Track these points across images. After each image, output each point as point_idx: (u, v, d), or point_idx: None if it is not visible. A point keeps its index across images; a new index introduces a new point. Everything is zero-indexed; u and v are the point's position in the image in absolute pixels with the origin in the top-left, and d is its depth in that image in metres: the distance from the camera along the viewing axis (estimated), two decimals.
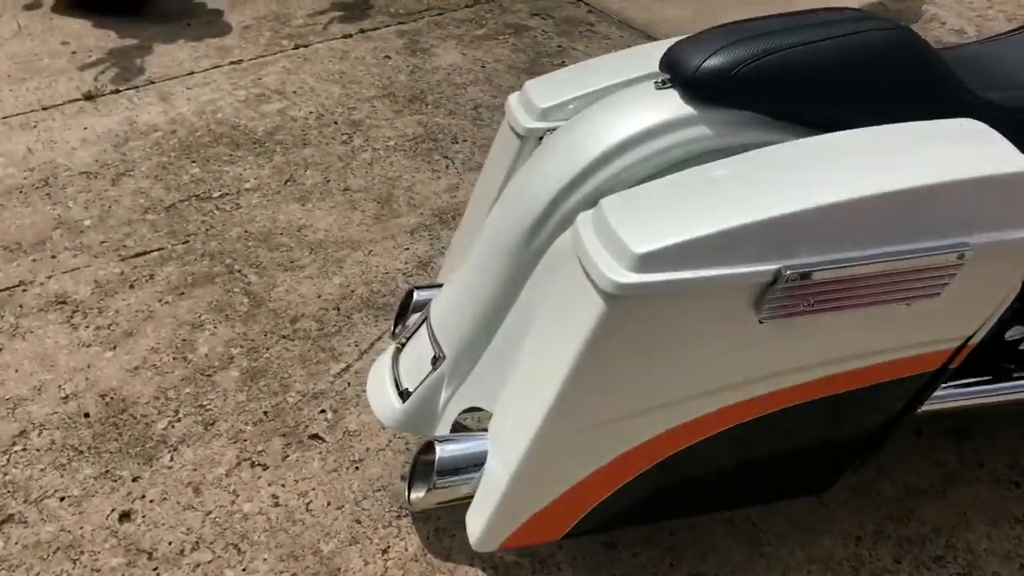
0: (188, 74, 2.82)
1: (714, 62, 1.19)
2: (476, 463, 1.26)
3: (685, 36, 1.30)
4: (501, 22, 3.20)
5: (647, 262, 1.03)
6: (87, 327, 1.91)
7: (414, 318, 1.54)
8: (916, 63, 1.25)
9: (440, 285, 1.56)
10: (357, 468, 1.64)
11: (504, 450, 1.22)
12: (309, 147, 2.50)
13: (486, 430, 1.28)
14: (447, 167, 2.44)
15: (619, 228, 1.06)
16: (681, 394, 1.16)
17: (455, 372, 1.35)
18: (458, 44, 3.04)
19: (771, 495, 1.43)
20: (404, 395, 1.40)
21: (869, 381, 1.22)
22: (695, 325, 1.10)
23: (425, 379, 1.38)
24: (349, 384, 1.80)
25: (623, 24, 3.19)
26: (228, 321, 1.94)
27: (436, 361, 1.36)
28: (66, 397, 1.76)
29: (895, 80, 1.24)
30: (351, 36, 3.07)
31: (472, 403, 1.35)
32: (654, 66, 1.30)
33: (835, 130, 1.19)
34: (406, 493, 1.32)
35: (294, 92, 2.74)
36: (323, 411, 1.74)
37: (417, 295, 1.59)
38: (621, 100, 1.30)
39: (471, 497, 1.27)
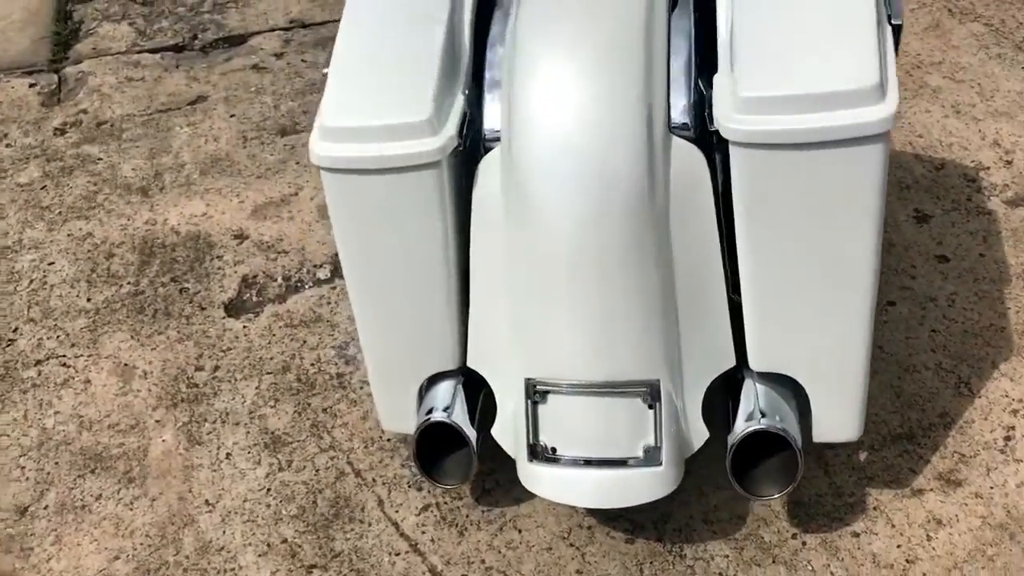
0: None
1: None
2: (780, 405, 1.22)
3: None
4: None
5: (880, 86, 1.05)
6: None
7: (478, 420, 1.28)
8: None
9: (455, 375, 1.28)
10: None
11: (830, 353, 1.20)
12: None
13: (731, 386, 1.25)
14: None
15: (811, 87, 1.05)
16: None
17: (675, 383, 1.21)
18: None
19: None
20: (651, 456, 1.20)
21: None
22: None
23: (659, 422, 1.20)
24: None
25: None
26: None
27: (653, 395, 1.19)
28: None
29: None
30: None
31: (706, 383, 1.24)
32: (439, 13, 1.21)
33: None
34: (769, 497, 1.24)
35: None
36: None
37: (443, 416, 1.25)
38: (582, 25, 1.16)
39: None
